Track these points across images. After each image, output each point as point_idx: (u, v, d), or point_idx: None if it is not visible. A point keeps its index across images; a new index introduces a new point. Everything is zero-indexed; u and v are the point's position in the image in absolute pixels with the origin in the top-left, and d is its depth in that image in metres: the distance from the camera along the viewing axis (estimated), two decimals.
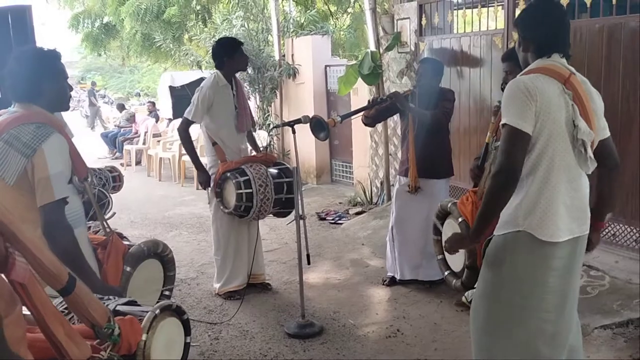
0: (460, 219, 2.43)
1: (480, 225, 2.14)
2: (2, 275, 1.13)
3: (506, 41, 4.97)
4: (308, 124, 3.86)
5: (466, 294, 3.90)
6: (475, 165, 4.01)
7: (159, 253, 2.73)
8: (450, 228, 2.57)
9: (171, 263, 2.83)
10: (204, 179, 4.33)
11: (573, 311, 2.27)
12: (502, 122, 2.12)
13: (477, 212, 2.17)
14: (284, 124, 4.13)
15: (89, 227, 2.81)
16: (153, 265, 2.75)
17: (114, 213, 4.06)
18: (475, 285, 2.39)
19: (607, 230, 4.35)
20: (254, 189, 4.02)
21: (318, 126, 3.84)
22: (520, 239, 2.13)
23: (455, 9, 5.82)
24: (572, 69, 2.21)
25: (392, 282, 4.50)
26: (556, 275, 2.14)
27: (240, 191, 4.01)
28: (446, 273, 2.63)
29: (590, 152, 2.13)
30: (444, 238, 2.58)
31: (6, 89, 2.34)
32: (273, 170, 4.23)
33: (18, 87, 2.26)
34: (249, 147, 4.56)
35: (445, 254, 2.63)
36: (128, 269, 2.52)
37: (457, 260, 2.54)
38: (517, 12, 4.96)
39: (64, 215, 2.17)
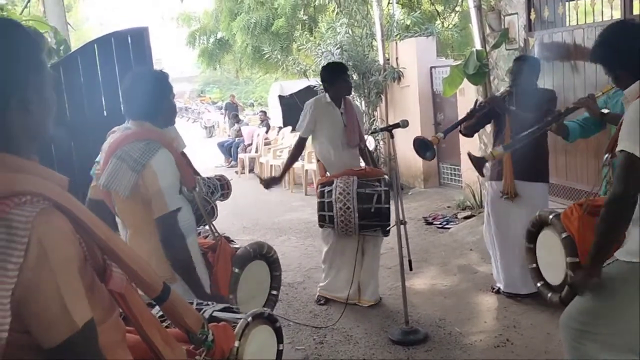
0: (564, 234, 2.28)
1: (597, 256, 2.05)
2: (102, 285, 1.24)
3: None
4: (413, 145, 3.80)
5: None
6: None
7: (264, 254, 2.84)
8: (548, 239, 2.43)
9: (276, 264, 2.93)
10: (270, 180, 4.47)
11: None
12: (619, 148, 1.99)
13: (593, 241, 2.06)
14: (382, 129, 4.13)
15: (199, 233, 2.98)
16: (259, 267, 2.86)
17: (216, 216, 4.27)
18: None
19: None
20: (334, 197, 3.96)
21: (423, 147, 3.79)
22: (634, 270, 2.00)
23: (567, 1, 5.49)
24: None
25: (498, 291, 4.32)
26: None
27: (322, 200, 4.03)
28: (539, 284, 2.48)
29: None
30: (539, 247, 2.47)
31: (125, 110, 2.53)
32: (369, 182, 4.08)
33: (134, 106, 2.43)
34: (362, 163, 4.52)
35: (539, 263, 2.50)
36: (236, 270, 2.64)
37: (552, 272, 2.39)
38: (635, 0, 4.60)
39: (177, 225, 2.31)
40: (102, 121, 4.58)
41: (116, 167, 2.30)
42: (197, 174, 4.85)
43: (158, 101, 2.42)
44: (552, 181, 5.46)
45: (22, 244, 1.04)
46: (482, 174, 4.00)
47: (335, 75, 4.32)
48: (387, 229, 4.13)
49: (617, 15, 4.81)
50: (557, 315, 3.79)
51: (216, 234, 2.76)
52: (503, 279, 4.24)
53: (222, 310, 1.75)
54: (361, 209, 3.95)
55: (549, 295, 2.41)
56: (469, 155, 3.92)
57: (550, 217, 2.39)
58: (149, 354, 1.38)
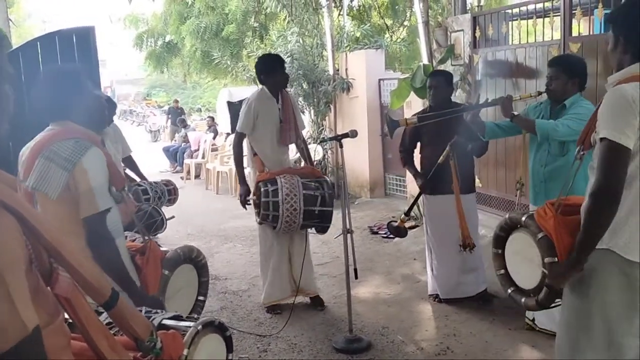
0: (540, 235, 2.16)
1: (583, 249, 1.99)
2: (47, 288, 1.21)
3: (563, 51, 4.84)
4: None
5: (529, 314, 3.77)
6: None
7: (194, 258, 2.79)
8: (520, 242, 2.33)
9: (204, 269, 2.87)
10: (242, 192, 4.40)
11: None
12: (600, 136, 1.93)
13: (577, 237, 2.00)
14: (331, 138, 4.17)
15: (126, 237, 2.92)
16: (188, 271, 2.80)
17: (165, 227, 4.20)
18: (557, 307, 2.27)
19: None
20: (280, 197, 3.97)
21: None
22: (606, 257, 1.99)
23: (510, 20, 5.72)
24: None
25: (439, 299, 4.44)
26: None
27: (267, 199, 4.01)
28: (510, 290, 2.38)
29: None
30: (508, 252, 2.41)
31: (39, 112, 2.39)
32: (311, 183, 4.16)
33: (48, 107, 2.32)
34: (299, 160, 4.62)
35: (509, 268, 2.45)
36: (166, 272, 2.60)
37: (525, 276, 2.30)
38: (574, 21, 4.85)
39: (106, 226, 2.25)
40: (42, 121, 4.44)
41: (44, 167, 2.21)
42: (144, 178, 4.77)
43: (73, 98, 2.32)
44: (483, 192, 5.73)
45: None
46: (391, 137, 4.19)
47: (272, 67, 4.30)
48: (326, 228, 4.23)
49: (557, 35, 5.05)
50: (496, 324, 3.96)
51: (145, 237, 2.72)
52: (440, 285, 4.37)
53: (172, 318, 1.73)
54: (306, 211, 4.04)
55: (523, 300, 2.30)
56: (386, 115, 4.19)
57: (524, 218, 2.27)
58: None
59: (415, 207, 6.93)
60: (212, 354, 1.73)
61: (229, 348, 1.82)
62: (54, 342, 1.17)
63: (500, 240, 2.47)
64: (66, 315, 1.27)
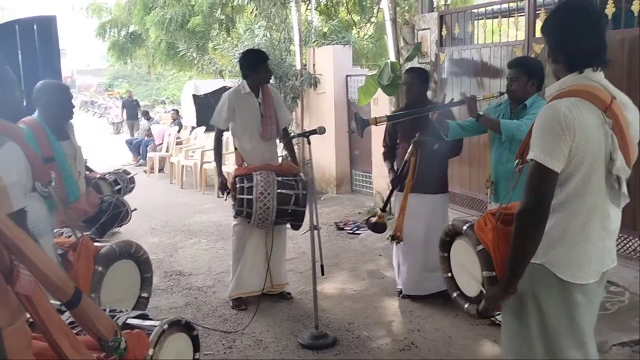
0: (479, 247, 2.16)
1: (513, 271, 1.96)
2: (8, 286, 1.17)
3: (527, 52, 4.94)
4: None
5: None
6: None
7: (132, 254, 2.73)
8: (462, 249, 2.34)
9: (147, 264, 2.81)
10: (220, 184, 4.52)
11: (595, 349, 2.13)
12: (529, 156, 1.92)
13: (508, 257, 1.98)
14: (300, 135, 4.17)
15: (62, 233, 2.84)
16: (127, 267, 2.74)
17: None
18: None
19: (627, 245, 4.28)
20: (255, 195, 4.02)
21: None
22: (539, 272, 1.98)
23: (476, 19, 5.80)
24: (613, 89, 1.99)
25: (405, 295, 4.48)
26: (581, 310, 2.00)
27: (242, 196, 4.05)
28: (454, 294, 2.38)
29: (624, 188, 1.95)
30: (453, 257, 2.42)
31: None
32: (287, 181, 4.18)
33: None
34: (282, 156, 4.59)
35: (454, 272, 2.47)
36: (100, 268, 2.54)
37: (468, 283, 2.30)
38: (538, 22, 4.94)
39: (25, 226, 2.08)
40: None
41: None
42: (91, 171, 4.64)
43: None
44: (455, 191, 5.77)
45: None
46: (361, 135, 4.22)
47: (256, 62, 4.31)
48: (299, 226, 4.29)
49: (522, 36, 5.15)
50: (459, 319, 4.02)
51: (78, 233, 2.65)
52: (404, 281, 4.42)
53: (137, 317, 1.69)
54: (280, 210, 4.08)
55: (466, 306, 2.30)
56: (355, 114, 4.21)
57: (464, 227, 2.26)
58: None
59: (382, 203, 7.01)
60: (178, 354, 1.70)
61: (196, 347, 1.79)
62: (15, 342, 1.15)
63: (445, 244, 2.48)
64: (27, 315, 1.24)
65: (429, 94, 6.06)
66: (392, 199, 4.49)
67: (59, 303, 1.35)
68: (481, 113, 3.60)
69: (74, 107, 3.32)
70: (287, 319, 4.22)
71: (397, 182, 4.30)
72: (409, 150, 4.12)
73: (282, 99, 4.80)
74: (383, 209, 4.51)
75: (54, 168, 2.89)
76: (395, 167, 4.41)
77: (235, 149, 4.43)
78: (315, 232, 3.83)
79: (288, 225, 4.45)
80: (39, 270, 1.19)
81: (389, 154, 4.50)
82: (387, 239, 4.17)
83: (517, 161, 2.15)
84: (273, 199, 4.04)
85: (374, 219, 4.52)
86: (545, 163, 1.86)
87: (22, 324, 1.22)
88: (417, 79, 4.29)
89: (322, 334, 3.81)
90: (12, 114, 2.36)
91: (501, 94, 3.72)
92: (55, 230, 2.75)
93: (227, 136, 4.78)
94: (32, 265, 1.18)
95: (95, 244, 2.67)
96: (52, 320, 1.25)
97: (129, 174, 4.81)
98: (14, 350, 1.12)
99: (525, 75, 3.47)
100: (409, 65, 6.35)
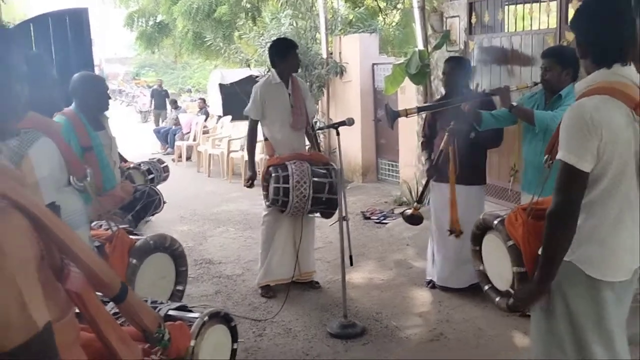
0: (510, 242, 2.16)
1: (545, 272, 1.96)
2: (58, 283, 1.21)
3: (558, 40, 4.85)
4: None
5: None
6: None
7: (168, 247, 2.76)
8: (493, 244, 2.34)
9: (182, 258, 2.83)
10: (249, 176, 4.53)
11: (626, 347, 2.11)
12: (558, 156, 1.91)
13: (537, 255, 1.98)
14: (329, 126, 4.19)
15: (100, 226, 2.90)
16: (162, 260, 2.77)
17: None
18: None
19: None
20: (291, 184, 4.07)
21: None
22: (569, 269, 1.97)
23: (506, 5, 5.71)
24: None
25: (433, 285, 4.49)
26: (610, 308, 1.99)
27: (278, 185, 4.09)
28: (486, 288, 2.39)
29: None
30: (484, 250, 2.42)
31: None
32: (319, 170, 4.25)
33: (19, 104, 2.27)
34: (308, 146, 4.62)
35: (486, 266, 2.48)
36: (134, 261, 2.57)
37: (499, 277, 2.31)
38: (570, 8, 4.85)
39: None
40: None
41: None
42: (125, 160, 4.72)
43: (31, 87, 2.26)
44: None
45: None
46: (392, 127, 4.25)
47: (286, 50, 4.35)
48: (332, 214, 4.32)
49: (553, 23, 5.05)
50: (489, 310, 4.01)
51: (114, 226, 2.70)
52: (437, 272, 4.41)
53: (177, 309, 1.74)
54: (315, 198, 4.14)
55: (497, 299, 2.31)
56: (386, 106, 4.22)
57: (495, 222, 2.26)
58: (103, 352, 1.36)
59: (409, 192, 7.00)
60: (218, 345, 1.75)
61: (234, 338, 1.84)
62: (64, 337, 1.18)
63: (476, 237, 2.48)
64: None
65: None
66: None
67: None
68: (514, 104, 3.55)
69: (110, 98, 3.39)
70: (315, 307, 4.26)
71: (433, 172, 4.29)
72: (444, 140, 4.10)
73: (308, 89, 4.82)
74: (419, 200, 4.48)
75: (92, 157, 2.97)
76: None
77: (266, 139, 4.47)
78: (344, 222, 3.86)
79: (317, 215, 4.48)
80: (89, 268, 1.23)
81: (427, 144, 4.46)
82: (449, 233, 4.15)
83: (546, 156, 2.14)
84: (309, 187, 4.10)
85: (409, 211, 4.49)
86: (574, 164, 1.85)
87: (72, 318, 1.27)
88: (457, 68, 4.21)
89: (350, 323, 3.84)
90: (49, 110, 2.41)
91: (535, 84, 3.67)
92: (93, 223, 2.82)
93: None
94: (82, 263, 1.22)
95: (131, 237, 2.73)
96: (101, 314, 1.30)
97: (163, 163, 4.87)
98: (63, 344, 1.15)
99: (560, 65, 3.42)
100: (437, 53, 6.32)
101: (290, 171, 4.11)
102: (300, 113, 4.37)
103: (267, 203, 4.31)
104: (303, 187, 4.08)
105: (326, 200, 4.21)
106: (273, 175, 4.14)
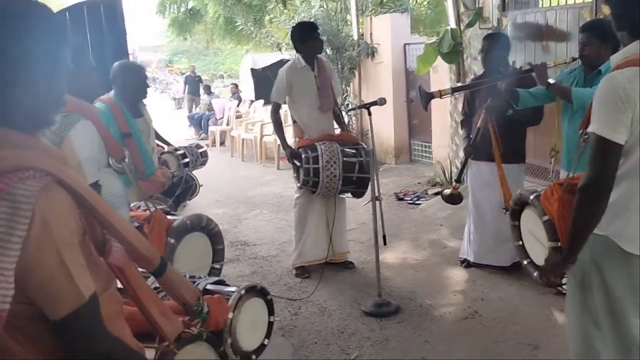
0: (545, 218, 2.16)
1: (573, 245, 1.96)
2: (101, 258, 1.27)
3: (594, 14, 4.72)
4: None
5: None
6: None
7: (204, 227, 2.82)
8: (531, 220, 2.34)
9: (218, 237, 2.89)
10: (289, 154, 4.47)
11: None
12: (590, 130, 1.90)
13: (568, 228, 1.98)
14: (361, 107, 4.20)
15: (139, 207, 2.99)
16: (199, 239, 2.84)
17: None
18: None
19: None
20: (321, 164, 4.10)
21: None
22: (602, 243, 1.97)
23: None
24: None
25: (468, 264, 4.48)
26: None
27: (308, 166, 4.14)
28: (525, 262, 2.41)
29: None
30: (523, 226, 2.42)
31: None
32: (349, 150, 4.27)
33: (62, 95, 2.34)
34: (336, 127, 4.64)
35: (524, 241, 2.47)
36: (172, 241, 2.65)
37: (536, 251, 2.32)
38: None
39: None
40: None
41: None
42: (168, 143, 4.82)
43: (71, 73, 2.33)
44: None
45: (26, 218, 1.05)
46: (425, 109, 4.20)
47: (306, 34, 4.36)
48: (363, 193, 4.35)
49: None
50: (524, 289, 3.99)
51: (152, 207, 2.77)
52: (474, 250, 4.39)
53: (215, 283, 1.80)
54: (345, 177, 4.18)
55: (535, 274, 2.33)
56: (419, 87, 4.21)
57: (531, 197, 2.28)
58: (145, 325, 1.41)
59: (443, 173, 6.96)
60: (255, 317, 1.80)
61: (271, 311, 1.89)
62: (108, 308, 1.24)
63: (515, 213, 2.49)
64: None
65: None
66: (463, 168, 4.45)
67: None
68: (551, 81, 3.48)
69: (149, 86, 3.46)
70: (350, 287, 4.30)
71: (471, 150, 4.26)
72: (481, 117, 4.06)
73: (333, 70, 4.82)
74: (458, 180, 4.47)
75: (132, 144, 3.05)
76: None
77: (294, 121, 4.50)
78: (377, 202, 3.88)
79: (348, 195, 4.50)
80: (129, 243, 1.28)
81: (466, 122, 4.42)
82: (497, 212, 4.13)
83: (581, 131, 2.11)
84: (339, 167, 4.13)
85: (448, 191, 4.49)
86: (607, 136, 1.83)
87: (114, 291, 1.32)
88: (496, 45, 4.14)
89: (385, 302, 3.88)
90: (88, 96, 2.49)
91: (574, 59, 3.58)
92: (132, 205, 2.91)
93: (285, 109, 4.85)
94: (123, 238, 1.27)
95: (168, 217, 2.80)
96: (142, 288, 1.35)
97: (201, 147, 4.92)
98: (108, 315, 1.20)
99: (598, 39, 3.32)
100: (469, 31, 6.22)
101: (319, 152, 4.14)
102: (327, 95, 4.38)
103: (298, 184, 4.36)
104: (333, 167, 4.11)
105: (357, 180, 4.25)
106: (303, 156, 4.18)
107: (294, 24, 4.77)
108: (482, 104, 4.12)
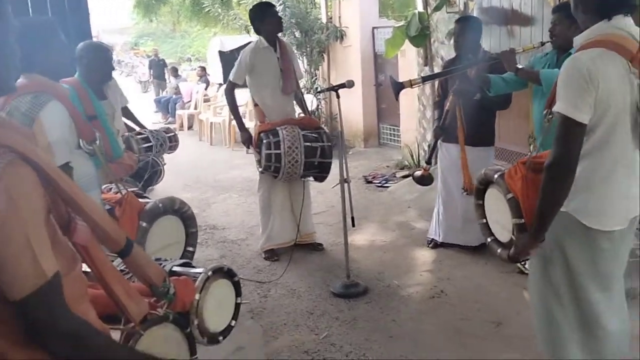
0: (509, 195, 2.20)
1: (541, 222, 2.02)
2: (65, 237, 1.25)
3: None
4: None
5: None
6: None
7: (177, 210, 2.80)
8: (494, 197, 2.40)
9: (191, 220, 2.88)
10: (245, 138, 4.50)
11: (622, 291, 2.20)
12: (555, 108, 1.95)
13: (535, 206, 2.03)
14: (329, 89, 4.19)
15: (110, 189, 2.96)
16: (172, 222, 2.82)
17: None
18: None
19: None
20: (282, 150, 4.09)
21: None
22: (566, 219, 2.03)
23: None
24: None
25: (435, 244, 4.56)
26: (606, 256, 2.06)
27: (269, 151, 4.11)
28: (489, 240, 2.46)
29: None
30: (487, 204, 2.47)
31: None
32: (311, 135, 4.26)
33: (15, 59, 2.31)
34: (297, 110, 4.63)
35: (488, 219, 2.53)
36: (144, 224, 2.63)
37: (500, 229, 2.38)
38: None
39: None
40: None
41: None
42: (144, 127, 4.76)
43: (40, 50, 2.27)
44: (501, 145, 5.70)
45: None
46: (397, 99, 4.17)
47: (264, 13, 4.32)
48: (325, 178, 4.39)
49: None
50: (488, 268, 4.08)
51: (122, 189, 2.74)
52: (443, 230, 4.47)
53: (182, 265, 1.80)
54: (307, 162, 4.18)
55: (499, 250, 2.38)
56: (390, 77, 4.22)
57: (495, 176, 2.32)
58: (111, 307, 1.41)
59: (410, 156, 7.03)
60: (222, 298, 1.81)
61: (238, 292, 1.90)
62: (73, 290, 1.22)
63: (479, 192, 2.54)
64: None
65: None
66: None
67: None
68: (519, 66, 3.52)
69: (114, 68, 3.39)
70: (318, 269, 4.34)
71: (440, 132, 4.31)
72: (449, 100, 4.11)
73: (294, 52, 4.81)
74: (428, 161, 4.50)
75: (97, 126, 3.00)
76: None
77: (256, 105, 4.45)
78: (346, 185, 3.91)
79: (310, 179, 4.52)
80: (95, 222, 1.27)
81: (439, 104, 4.45)
82: (462, 192, 4.19)
83: (546, 111, 2.16)
84: (301, 152, 4.12)
85: (419, 172, 4.51)
86: (572, 115, 1.89)
87: (79, 272, 1.30)
88: (467, 28, 4.15)
89: (353, 283, 3.92)
90: (60, 74, 2.43)
91: (542, 43, 3.62)
92: (104, 187, 2.87)
93: (246, 92, 4.81)
94: (88, 217, 1.25)
95: (140, 200, 2.78)
96: (107, 268, 1.34)
97: (170, 132, 4.82)
98: (72, 297, 1.18)
99: (568, 20, 3.34)
100: (436, 15, 6.25)
101: (281, 137, 4.12)
102: (290, 77, 4.37)
103: (260, 169, 4.33)
104: (295, 153, 4.11)
105: (318, 165, 4.26)
106: (264, 141, 4.14)
107: (251, 6, 4.70)
108: (453, 87, 4.17)
